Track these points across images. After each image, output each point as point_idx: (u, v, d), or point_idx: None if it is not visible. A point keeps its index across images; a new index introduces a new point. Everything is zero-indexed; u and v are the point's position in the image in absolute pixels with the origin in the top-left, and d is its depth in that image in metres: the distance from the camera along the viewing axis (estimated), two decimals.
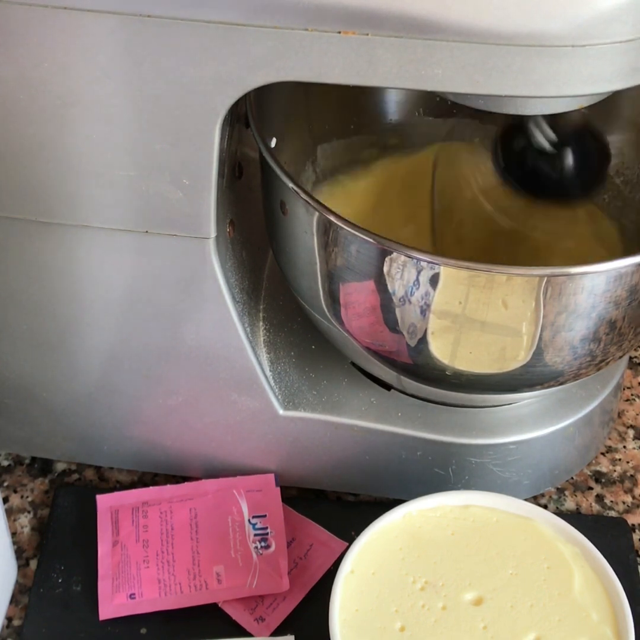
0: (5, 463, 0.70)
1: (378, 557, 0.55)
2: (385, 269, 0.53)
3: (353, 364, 0.66)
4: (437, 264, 0.51)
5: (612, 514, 0.68)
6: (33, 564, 0.64)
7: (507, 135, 0.64)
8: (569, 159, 0.62)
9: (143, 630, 0.60)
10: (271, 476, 0.66)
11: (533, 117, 0.61)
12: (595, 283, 0.52)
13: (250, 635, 0.60)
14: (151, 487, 0.66)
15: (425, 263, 0.52)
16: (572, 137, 0.62)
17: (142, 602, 0.61)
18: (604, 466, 0.71)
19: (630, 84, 0.46)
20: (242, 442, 0.65)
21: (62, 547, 0.64)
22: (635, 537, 0.66)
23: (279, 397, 0.64)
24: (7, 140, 0.52)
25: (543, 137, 0.61)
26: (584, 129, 0.63)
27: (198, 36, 0.47)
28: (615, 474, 0.70)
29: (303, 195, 0.54)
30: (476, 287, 0.52)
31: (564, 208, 0.67)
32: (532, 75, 0.45)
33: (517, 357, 0.56)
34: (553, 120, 0.61)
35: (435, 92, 0.48)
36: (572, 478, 0.70)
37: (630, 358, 0.78)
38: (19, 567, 0.64)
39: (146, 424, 0.65)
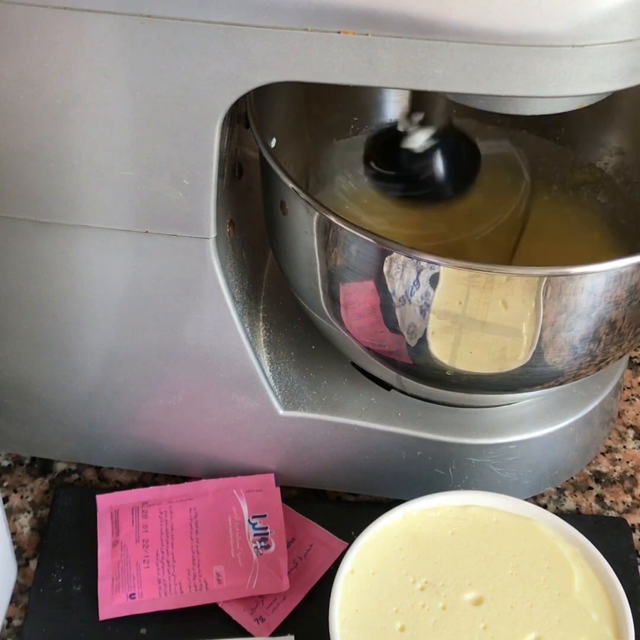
0: (5, 463, 0.70)
1: (378, 557, 0.55)
2: (385, 269, 0.53)
3: (353, 364, 0.66)
4: (437, 264, 0.51)
5: (612, 514, 0.68)
6: (33, 564, 0.64)
7: (377, 140, 0.64)
8: (439, 161, 0.62)
9: (143, 630, 0.60)
10: (271, 476, 0.66)
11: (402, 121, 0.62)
12: (595, 283, 0.52)
13: (250, 635, 0.60)
14: (151, 487, 0.66)
15: (425, 263, 0.52)
16: (442, 140, 0.62)
17: (142, 602, 0.61)
18: (604, 466, 0.71)
19: (630, 84, 0.46)
20: (242, 442, 0.65)
21: (62, 547, 0.64)
22: (635, 537, 0.66)
23: (279, 397, 0.64)
24: (7, 140, 0.52)
25: (412, 140, 0.61)
26: (453, 131, 0.62)
27: (198, 36, 0.47)
28: (615, 474, 0.70)
29: (303, 195, 0.54)
30: (476, 287, 0.52)
31: (558, 210, 0.67)
32: (532, 75, 0.45)
33: (517, 357, 0.56)
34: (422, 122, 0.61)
35: (435, 92, 0.48)
36: (572, 478, 0.70)
37: (630, 358, 0.78)
38: (19, 567, 0.64)
39: (146, 424, 0.65)
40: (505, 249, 0.66)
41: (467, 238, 0.67)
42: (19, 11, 0.47)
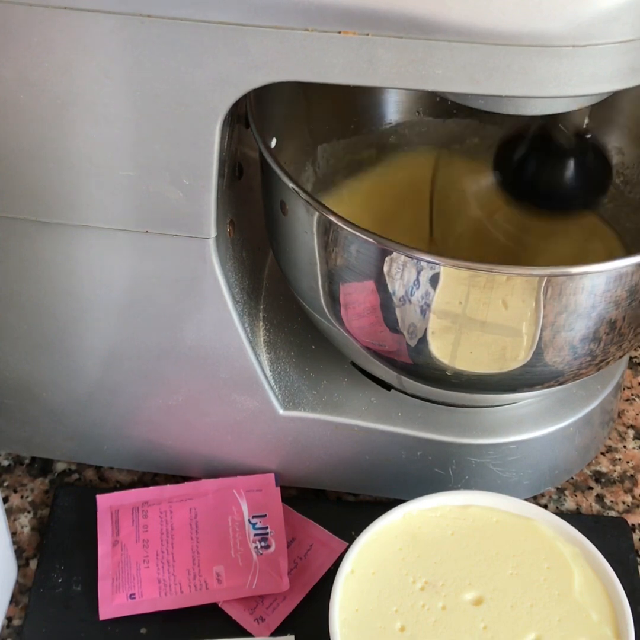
0: (5, 463, 0.70)
1: (378, 557, 0.55)
2: (385, 269, 0.53)
3: (353, 364, 0.66)
4: (437, 264, 0.51)
5: (612, 514, 0.68)
6: (33, 564, 0.64)
7: (508, 145, 0.64)
8: (570, 170, 0.62)
9: (143, 630, 0.60)
10: (271, 476, 0.66)
11: (540, 125, 0.61)
12: (595, 283, 0.52)
13: (250, 635, 0.60)
14: (151, 487, 0.66)
15: (426, 263, 0.52)
16: (574, 149, 0.62)
17: (142, 602, 0.61)
18: (604, 466, 0.71)
19: (630, 84, 0.46)
20: (242, 442, 0.65)
21: (62, 547, 0.64)
22: (635, 537, 0.66)
23: (279, 397, 0.64)
24: (7, 140, 0.52)
25: (562, 137, 0.61)
26: (586, 141, 0.62)
27: (198, 36, 0.47)
28: (615, 474, 0.70)
29: (303, 195, 0.54)
30: (476, 287, 0.52)
31: (564, 214, 0.67)
32: (532, 75, 0.45)
33: (517, 357, 0.56)
34: (555, 129, 0.61)
35: (435, 92, 0.48)
36: (572, 478, 0.70)
37: (630, 358, 0.78)
38: (19, 567, 0.64)
39: (146, 424, 0.65)
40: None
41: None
42: (18, 11, 0.47)
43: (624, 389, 0.76)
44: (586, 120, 0.61)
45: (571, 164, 0.61)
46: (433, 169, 0.70)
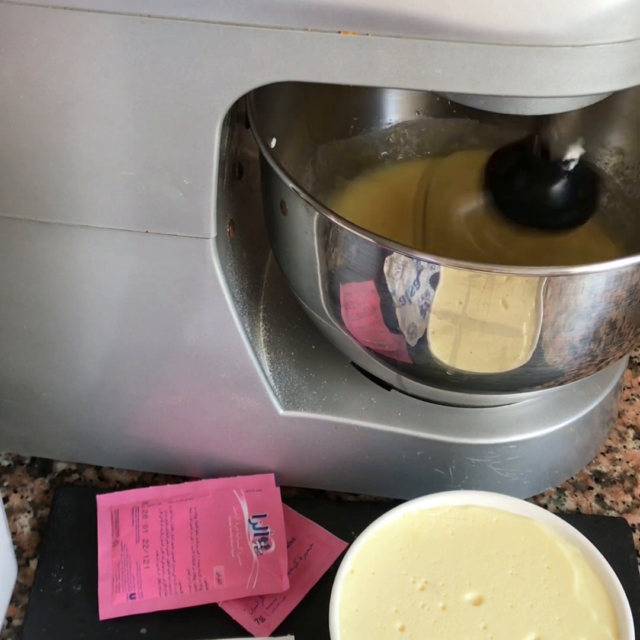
0: (5, 463, 0.70)
1: (378, 557, 0.55)
2: (385, 269, 0.53)
3: (353, 364, 0.66)
4: (437, 264, 0.51)
5: (612, 514, 0.68)
6: (33, 564, 0.64)
7: (497, 163, 0.63)
8: (559, 189, 0.61)
9: (143, 630, 0.60)
10: (271, 476, 0.66)
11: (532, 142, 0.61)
12: (595, 283, 0.52)
13: (250, 635, 0.60)
14: (151, 487, 0.66)
15: (426, 263, 0.52)
16: (562, 169, 0.61)
17: (142, 602, 0.61)
18: (604, 466, 0.71)
19: (630, 84, 0.46)
20: (242, 442, 0.65)
21: (62, 547, 0.64)
22: (635, 537, 0.66)
23: (279, 397, 0.64)
24: (7, 140, 0.52)
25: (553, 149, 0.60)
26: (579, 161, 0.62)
27: (198, 36, 0.47)
28: (615, 474, 0.70)
29: (303, 195, 0.54)
30: (476, 287, 0.52)
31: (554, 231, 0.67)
32: (532, 75, 0.45)
33: (517, 357, 0.56)
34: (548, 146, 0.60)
35: (435, 92, 0.48)
36: (572, 478, 0.70)
37: (630, 358, 0.78)
38: (19, 567, 0.64)
39: (146, 424, 0.65)
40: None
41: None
42: (18, 11, 0.47)
43: (624, 389, 0.76)
44: (580, 140, 0.61)
45: (561, 184, 0.61)
46: (422, 180, 0.70)
